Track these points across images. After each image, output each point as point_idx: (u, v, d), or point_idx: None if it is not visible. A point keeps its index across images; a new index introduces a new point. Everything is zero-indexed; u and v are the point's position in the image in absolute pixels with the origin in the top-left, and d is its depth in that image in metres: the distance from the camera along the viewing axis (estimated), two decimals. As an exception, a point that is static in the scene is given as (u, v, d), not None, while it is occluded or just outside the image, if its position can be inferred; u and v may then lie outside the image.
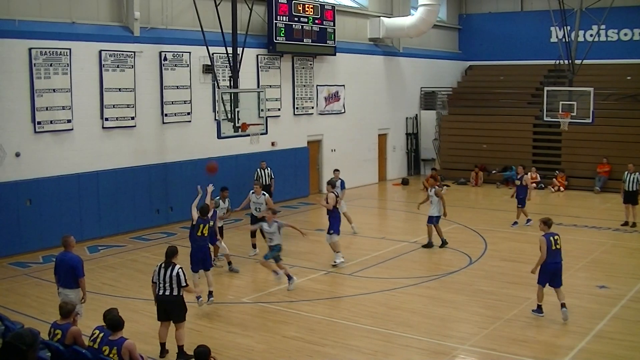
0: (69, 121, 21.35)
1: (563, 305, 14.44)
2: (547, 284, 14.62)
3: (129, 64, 22.89)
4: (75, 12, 21.79)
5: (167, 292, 12.53)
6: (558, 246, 14.56)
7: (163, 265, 12.66)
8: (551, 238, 14.53)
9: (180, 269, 12.55)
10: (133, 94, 23.07)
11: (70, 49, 21.24)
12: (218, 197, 19.34)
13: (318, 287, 17.38)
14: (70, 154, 21.56)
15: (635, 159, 27.29)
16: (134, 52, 23.05)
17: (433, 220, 21.11)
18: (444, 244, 21.22)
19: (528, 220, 24.09)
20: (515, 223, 24.33)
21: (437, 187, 21.36)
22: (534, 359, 12.68)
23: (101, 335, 10.23)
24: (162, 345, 12.82)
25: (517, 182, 24.48)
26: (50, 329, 10.56)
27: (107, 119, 22.44)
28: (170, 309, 12.63)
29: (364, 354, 12.98)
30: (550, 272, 14.51)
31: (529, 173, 29.48)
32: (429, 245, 21.19)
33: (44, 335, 10.30)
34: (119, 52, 22.59)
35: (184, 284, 12.51)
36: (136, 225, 23.31)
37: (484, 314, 15.23)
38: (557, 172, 32.62)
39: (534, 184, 29.80)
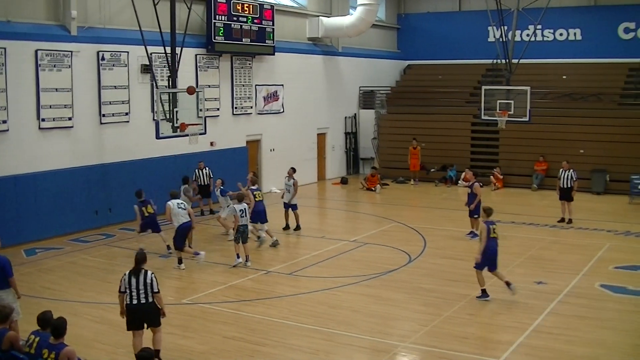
0: (4, 122, 20.95)
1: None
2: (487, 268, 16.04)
3: (66, 64, 22.60)
4: (11, 11, 21.39)
5: (143, 301, 12.04)
6: (495, 234, 16.05)
7: (132, 272, 12.18)
8: (491, 226, 16.04)
9: (153, 275, 12.17)
10: (70, 94, 22.76)
11: (5, 48, 20.85)
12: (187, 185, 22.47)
13: (258, 287, 17.42)
14: (6, 155, 21.16)
15: (572, 157, 27.89)
16: (71, 51, 22.76)
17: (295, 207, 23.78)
18: (288, 227, 23.80)
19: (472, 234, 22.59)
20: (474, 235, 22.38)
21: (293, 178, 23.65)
22: (475, 354, 12.92)
23: (37, 339, 10.05)
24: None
25: (466, 189, 23.05)
26: (-14, 334, 10.42)
27: (43, 120, 22.10)
28: (146, 316, 12.18)
29: (305, 353, 13.07)
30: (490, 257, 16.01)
31: (464, 174, 29.73)
32: (286, 227, 23.87)
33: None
34: (55, 52, 22.29)
35: (156, 290, 12.10)
36: (75, 227, 23.01)
37: (424, 311, 15.43)
38: (494, 169, 33.12)
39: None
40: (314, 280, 17.87)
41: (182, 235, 19.13)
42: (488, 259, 15.95)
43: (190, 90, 22.19)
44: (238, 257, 19.30)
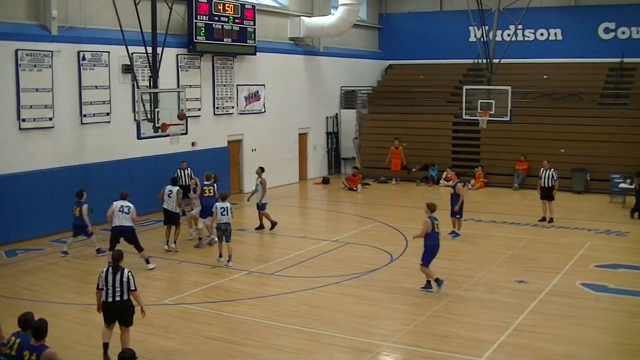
0: (-16, 122, 20.90)
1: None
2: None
3: (46, 64, 22.47)
4: (-10, 11, 21.34)
5: (118, 298, 12.14)
6: (437, 230, 16.76)
7: (110, 270, 12.25)
8: (435, 222, 16.74)
9: (129, 273, 12.24)
10: (51, 94, 22.64)
11: (-16, 49, 20.80)
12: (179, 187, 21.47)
13: (240, 287, 17.41)
14: (-14, 156, 21.09)
15: (552, 156, 28.02)
16: (52, 51, 22.64)
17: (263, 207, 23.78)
18: (262, 227, 23.89)
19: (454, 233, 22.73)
20: (456, 234, 22.73)
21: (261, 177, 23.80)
22: (457, 354, 12.97)
23: (18, 341, 9.94)
24: (106, 346, 12.46)
25: (448, 188, 23.26)
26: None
27: (24, 120, 21.95)
28: (122, 314, 12.28)
29: (288, 353, 13.08)
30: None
31: (445, 173, 29.75)
32: (260, 227, 23.95)
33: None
34: (36, 52, 22.15)
35: (132, 288, 12.20)
36: (56, 228, 22.81)
37: (406, 310, 15.50)
38: (476, 169, 33.26)
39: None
40: (296, 280, 17.88)
41: (115, 238, 18.55)
42: (433, 254, 16.75)
43: (181, 116, 22.53)
44: (220, 256, 19.30)
